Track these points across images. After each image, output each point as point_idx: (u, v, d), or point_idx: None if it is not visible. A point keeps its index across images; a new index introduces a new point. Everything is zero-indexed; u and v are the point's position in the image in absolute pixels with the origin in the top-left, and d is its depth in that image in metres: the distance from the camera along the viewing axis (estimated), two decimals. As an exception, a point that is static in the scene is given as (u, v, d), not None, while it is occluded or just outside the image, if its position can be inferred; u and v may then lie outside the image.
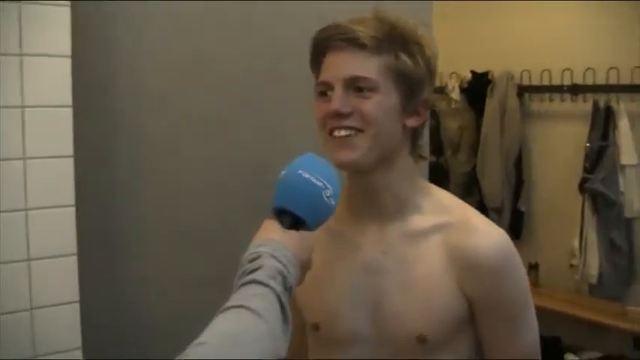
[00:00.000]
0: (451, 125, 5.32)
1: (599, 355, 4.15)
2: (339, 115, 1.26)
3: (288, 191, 1.16)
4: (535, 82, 4.73)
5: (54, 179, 1.70)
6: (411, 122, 1.33)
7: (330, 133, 1.29)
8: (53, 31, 1.68)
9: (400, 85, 1.29)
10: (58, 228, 1.71)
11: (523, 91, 4.83)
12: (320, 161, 1.19)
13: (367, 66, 1.26)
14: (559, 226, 4.49)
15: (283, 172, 1.18)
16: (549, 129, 4.75)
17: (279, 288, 1.01)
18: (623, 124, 4.24)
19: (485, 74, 4.99)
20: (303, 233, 1.14)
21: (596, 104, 4.35)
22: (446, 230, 1.33)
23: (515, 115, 4.80)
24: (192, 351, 0.90)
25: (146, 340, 1.93)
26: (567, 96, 4.54)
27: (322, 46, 1.32)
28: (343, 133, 1.27)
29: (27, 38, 1.64)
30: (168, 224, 2.01)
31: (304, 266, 1.13)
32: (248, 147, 2.11)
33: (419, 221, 1.35)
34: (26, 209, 1.67)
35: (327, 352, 1.40)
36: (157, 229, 1.99)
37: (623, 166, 4.24)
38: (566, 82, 4.51)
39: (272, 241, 1.08)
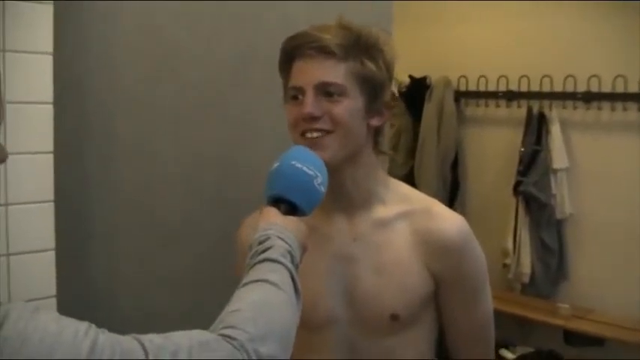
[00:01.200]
0: (389, 129, 5.42)
1: (531, 349, 4.32)
2: (311, 118, 1.37)
3: (283, 180, 1.27)
4: (472, 87, 4.88)
5: (34, 175, 1.72)
6: (375, 122, 1.46)
7: (302, 134, 1.39)
8: (36, 28, 1.70)
9: (365, 88, 1.41)
10: (37, 224, 1.73)
11: (460, 96, 4.97)
12: (309, 152, 1.31)
13: (336, 72, 1.38)
14: (493, 227, 4.64)
15: (277, 164, 1.28)
16: (485, 134, 4.91)
17: (289, 265, 1.13)
18: (555, 130, 4.43)
19: (423, 79, 5.11)
20: (298, 218, 1.26)
21: (530, 110, 4.53)
22: (410, 217, 1.48)
23: (452, 120, 4.94)
24: (228, 317, 1.00)
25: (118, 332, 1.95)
26: (503, 102, 4.71)
27: (292, 53, 1.42)
28: (315, 134, 1.38)
29: (10, 35, 1.65)
30: (140, 221, 2.03)
31: (304, 247, 1.24)
32: (219, 144, 2.16)
33: (384, 211, 1.49)
34: (6, 204, 1.68)
35: (306, 336, 1.48)
36: (129, 226, 2.01)
37: (554, 170, 4.42)
38: (502, 88, 4.68)
39: (276, 224, 1.19)
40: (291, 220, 1.23)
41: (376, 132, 1.48)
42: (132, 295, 2.02)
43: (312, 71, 1.38)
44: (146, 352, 0.89)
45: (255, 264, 1.12)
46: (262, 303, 1.05)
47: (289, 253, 1.15)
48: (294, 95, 1.41)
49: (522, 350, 4.32)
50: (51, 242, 1.75)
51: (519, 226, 4.52)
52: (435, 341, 1.55)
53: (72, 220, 1.89)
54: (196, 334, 0.96)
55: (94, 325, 0.90)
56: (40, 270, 1.74)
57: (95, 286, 1.95)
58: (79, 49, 1.89)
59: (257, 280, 1.08)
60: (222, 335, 0.96)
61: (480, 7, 4.67)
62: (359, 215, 1.48)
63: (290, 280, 1.12)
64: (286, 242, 1.16)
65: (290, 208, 1.26)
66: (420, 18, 4.90)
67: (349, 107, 1.38)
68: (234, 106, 2.18)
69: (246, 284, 1.08)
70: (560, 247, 4.51)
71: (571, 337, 4.18)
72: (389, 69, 1.45)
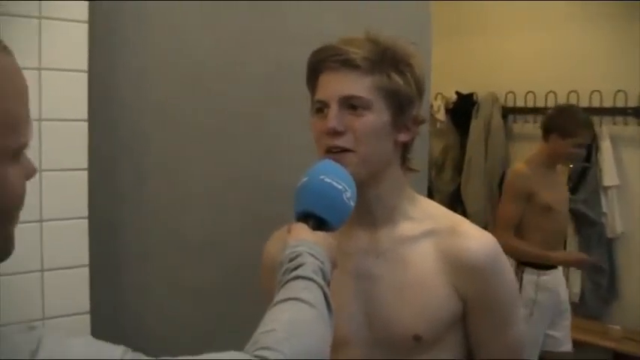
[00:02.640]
0: (436, 145, 5.40)
1: (582, 372, 4.23)
2: (334, 133, 1.33)
3: (312, 195, 1.24)
4: (519, 103, 4.82)
5: (69, 192, 1.74)
6: (402, 137, 1.41)
7: (326, 151, 1.36)
8: (71, 46, 1.72)
9: (391, 103, 1.36)
10: (71, 239, 1.75)
11: (507, 112, 4.92)
12: (337, 166, 1.29)
13: (360, 85, 1.34)
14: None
15: (305, 179, 1.26)
16: (533, 150, 4.83)
17: (321, 282, 1.10)
18: (606, 146, 4.35)
19: (470, 95, 5.07)
20: (327, 233, 1.23)
21: (579, 126, 4.44)
22: (435, 236, 1.42)
23: (500, 136, 4.89)
24: (262, 337, 0.98)
25: (150, 350, 1.95)
26: (551, 118, 4.63)
27: (318, 67, 1.39)
28: (337, 151, 1.34)
29: (45, 53, 1.68)
30: (172, 237, 2.03)
31: (334, 263, 1.21)
32: (249, 160, 2.15)
33: (408, 228, 1.43)
34: (41, 220, 1.70)
35: None
36: (161, 242, 2.02)
37: (605, 187, 4.34)
38: (550, 104, 4.60)
39: (306, 241, 1.17)
40: (321, 236, 1.21)
41: (404, 148, 1.44)
42: (162, 311, 2.01)
43: (337, 84, 1.35)
44: None
45: (287, 281, 1.10)
46: (296, 322, 1.03)
47: (321, 270, 1.13)
48: (319, 108, 1.38)
49: (572, 372, 4.22)
50: (85, 258, 1.76)
51: (569, 244, 4.42)
52: None
53: (105, 237, 1.91)
54: (230, 356, 0.95)
55: (129, 350, 0.89)
56: (74, 286, 1.75)
57: (127, 301, 1.96)
58: (112, 67, 1.91)
59: (290, 299, 1.06)
60: (257, 356, 0.94)
61: (526, 19, 4.62)
62: (382, 232, 1.44)
63: (322, 297, 1.10)
64: (317, 259, 1.14)
65: (319, 223, 1.23)
66: (462, 29, 4.87)
67: (374, 122, 1.34)
68: (265, 121, 2.17)
69: (278, 303, 1.07)
70: (611, 266, 4.42)
71: (622, 359, 4.06)
72: (418, 83, 1.40)
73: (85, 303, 1.77)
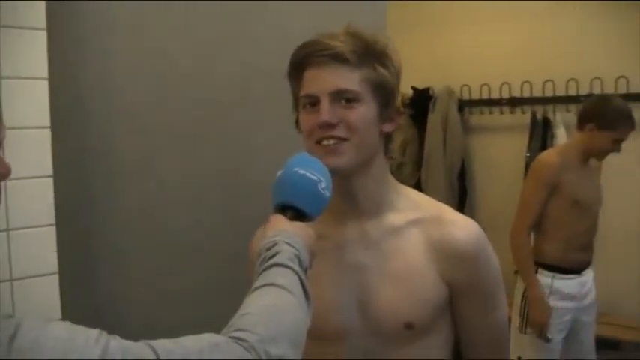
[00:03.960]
0: (395, 140, 5.42)
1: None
2: (327, 126, 1.36)
3: (288, 188, 1.28)
4: (475, 96, 4.89)
5: (34, 199, 1.73)
6: (387, 128, 1.45)
7: (318, 142, 1.38)
8: (30, 54, 1.71)
9: (378, 95, 1.40)
10: (39, 248, 1.74)
11: (464, 105, 4.98)
12: (311, 158, 1.33)
13: (351, 79, 1.37)
14: (503, 234, 4.61)
15: (280, 172, 1.30)
16: (491, 141, 4.92)
17: (297, 268, 1.14)
18: (560, 134, 4.44)
19: (426, 90, 5.13)
20: (305, 224, 1.27)
21: (534, 116, 4.54)
22: (422, 224, 1.45)
23: (457, 129, 4.95)
24: (238, 320, 1.02)
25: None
26: (506, 109, 4.72)
27: (303, 61, 1.41)
28: (331, 142, 1.37)
29: (5, 61, 1.67)
30: (145, 240, 2.04)
31: (311, 252, 1.24)
32: (221, 161, 2.16)
33: (395, 218, 1.47)
34: (7, 230, 1.69)
35: (318, 348, 1.48)
36: (134, 246, 2.02)
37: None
38: (505, 95, 4.69)
39: (283, 230, 1.20)
40: (298, 226, 1.24)
41: (387, 138, 1.48)
42: (139, 315, 2.01)
43: (327, 78, 1.37)
44: (158, 356, 0.90)
45: (263, 270, 1.13)
46: (271, 305, 1.06)
47: (297, 257, 1.16)
48: (308, 103, 1.40)
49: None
50: (54, 266, 1.76)
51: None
52: (451, 350, 1.53)
53: (75, 243, 1.90)
54: (207, 337, 0.97)
55: (105, 332, 0.91)
56: (44, 294, 1.74)
57: (102, 307, 1.95)
58: (76, 71, 1.90)
59: (265, 285, 1.09)
60: (233, 337, 0.98)
61: (477, 14, 4.69)
62: (370, 223, 1.46)
63: (299, 283, 1.13)
64: (294, 247, 1.17)
65: (296, 214, 1.27)
66: (416, 25, 4.91)
67: (364, 114, 1.38)
68: (235, 122, 2.18)
69: (255, 289, 1.10)
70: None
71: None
72: (398, 75, 1.45)
73: (56, 311, 1.76)
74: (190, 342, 0.95)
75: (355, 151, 1.37)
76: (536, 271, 3.21)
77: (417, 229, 1.45)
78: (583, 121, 3.15)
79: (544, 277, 3.21)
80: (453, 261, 1.43)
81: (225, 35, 2.17)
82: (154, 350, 0.91)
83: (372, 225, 1.46)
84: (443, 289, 1.44)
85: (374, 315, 1.43)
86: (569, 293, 3.21)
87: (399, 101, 1.46)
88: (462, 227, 1.45)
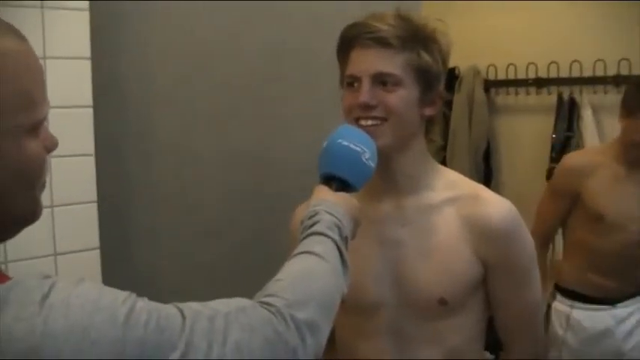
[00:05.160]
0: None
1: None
2: (366, 107, 1.39)
3: (332, 159, 1.31)
4: (501, 76, 4.86)
5: (77, 177, 1.78)
6: (428, 111, 1.47)
7: (357, 120, 1.42)
8: (73, 34, 1.76)
9: (420, 79, 1.43)
10: (81, 224, 1.79)
11: (490, 85, 4.95)
12: (355, 130, 1.35)
13: (392, 63, 1.40)
14: (528, 215, 4.60)
15: (325, 144, 1.32)
16: (516, 122, 4.89)
17: (336, 237, 1.16)
18: (587, 115, 4.40)
19: (452, 70, 5.09)
20: (349, 194, 1.29)
21: (560, 96, 4.51)
22: (457, 203, 1.48)
23: (483, 109, 4.92)
24: (269, 286, 1.05)
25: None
26: (533, 89, 4.69)
27: (350, 42, 1.44)
28: (370, 122, 1.41)
29: (49, 42, 1.71)
30: (180, 217, 2.09)
31: (355, 221, 1.27)
32: (252, 140, 2.20)
33: (432, 196, 1.50)
34: (52, 206, 1.74)
35: (353, 320, 1.53)
36: (169, 223, 2.07)
37: (588, 155, 4.39)
38: (531, 75, 4.66)
39: (325, 200, 1.23)
40: (341, 196, 1.26)
41: (429, 121, 1.51)
42: (174, 289, 2.05)
43: (370, 61, 1.40)
44: (184, 317, 0.93)
45: (303, 238, 1.16)
46: (302, 271, 1.09)
47: (336, 226, 1.18)
48: (350, 82, 1.44)
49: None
50: (95, 241, 1.81)
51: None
52: (484, 327, 1.56)
53: (115, 220, 1.95)
54: (235, 302, 1.00)
55: (134, 294, 0.94)
56: (86, 269, 1.80)
57: (139, 281, 2.00)
58: (114, 53, 1.95)
59: (301, 252, 1.12)
60: (261, 302, 1.01)
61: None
62: (407, 201, 1.50)
63: (336, 251, 1.15)
64: (334, 216, 1.19)
65: (341, 185, 1.29)
66: (447, 8, 4.90)
67: (404, 97, 1.40)
68: (266, 101, 2.22)
69: (291, 257, 1.13)
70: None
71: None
72: (444, 60, 1.47)
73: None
74: (218, 305, 0.98)
75: (392, 133, 1.41)
76: (554, 296, 2.70)
77: (453, 207, 1.48)
78: (624, 111, 2.52)
79: (561, 305, 2.66)
80: (487, 239, 1.46)
81: (255, 15, 2.19)
82: (181, 311, 0.94)
83: (409, 202, 1.50)
84: (477, 266, 1.47)
85: (409, 290, 1.47)
86: (591, 328, 2.58)
87: (442, 85, 1.47)
88: (496, 206, 1.48)
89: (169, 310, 0.94)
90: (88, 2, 1.77)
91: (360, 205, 1.37)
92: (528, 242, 1.52)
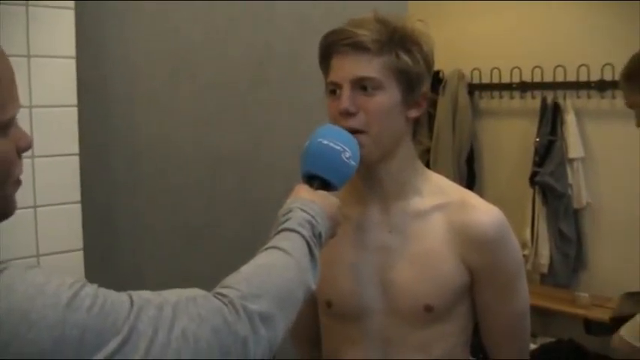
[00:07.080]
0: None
1: (552, 339, 4.32)
2: (347, 114, 1.38)
3: (312, 158, 1.32)
4: (485, 80, 4.88)
5: (61, 176, 1.76)
6: (413, 113, 1.45)
7: None
8: (58, 33, 1.74)
9: (401, 81, 1.41)
10: (65, 225, 1.77)
11: (474, 89, 4.97)
12: (336, 129, 1.36)
13: (370, 67, 1.39)
14: (511, 218, 4.57)
15: (306, 143, 1.33)
16: (500, 126, 4.92)
17: (306, 233, 1.17)
18: (570, 119, 4.43)
19: (436, 73, 5.10)
20: (328, 193, 1.30)
21: (544, 101, 4.54)
22: (445, 209, 1.47)
23: (467, 113, 4.94)
24: (228, 278, 1.07)
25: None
26: (517, 93, 4.72)
27: (329, 50, 1.44)
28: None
29: (33, 40, 1.69)
30: (164, 219, 2.07)
31: (334, 219, 1.27)
32: (238, 143, 2.19)
33: (419, 202, 1.48)
34: (35, 206, 1.72)
35: (340, 326, 1.52)
36: (154, 225, 2.05)
37: (570, 159, 4.43)
38: (515, 79, 4.68)
39: (301, 198, 1.24)
40: (319, 194, 1.27)
41: (415, 123, 1.49)
42: (158, 291, 2.05)
43: (348, 67, 1.39)
44: (132, 304, 0.93)
45: (274, 235, 1.17)
46: (263, 266, 1.10)
47: (308, 222, 1.18)
48: (332, 90, 1.43)
49: (543, 340, 4.31)
50: (79, 242, 1.79)
51: (537, 216, 4.52)
52: (470, 334, 1.56)
53: (98, 220, 1.93)
54: (188, 292, 1.01)
55: (87, 281, 0.94)
56: (69, 270, 1.77)
57: (122, 284, 1.98)
58: (100, 53, 1.93)
59: (267, 248, 1.14)
60: (215, 292, 1.02)
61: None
62: (395, 206, 1.49)
63: (305, 247, 1.15)
64: (308, 213, 1.20)
65: (322, 183, 1.31)
66: (432, 12, 4.90)
67: (385, 101, 1.39)
68: (251, 105, 2.21)
69: (258, 252, 1.14)
70: (578, 236, 4.51)
71: (591, 325, 4.16)
72: (426, 60, 1.44)
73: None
74: (170, 294, 0.99)
75: (374, 143, 1.39)
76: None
77: (441, 213, 1.47)
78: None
79: None
80: (474, 246, 1.45)
81: (241, 18, 2.18)
82: (131, 299, 0.94)
83: (397, 208, 1.49)
84: (464, 273, 1.46)
85: (394, 296, 1.46)
86: None
87: (427, 86, 1.46)
88: (484, 213, 1.47)
89: (119, 297, 0.94)
90: (73, 1, 1.75)
91: (345, 211, 1.37)
92: (516, 250, 1.51)
